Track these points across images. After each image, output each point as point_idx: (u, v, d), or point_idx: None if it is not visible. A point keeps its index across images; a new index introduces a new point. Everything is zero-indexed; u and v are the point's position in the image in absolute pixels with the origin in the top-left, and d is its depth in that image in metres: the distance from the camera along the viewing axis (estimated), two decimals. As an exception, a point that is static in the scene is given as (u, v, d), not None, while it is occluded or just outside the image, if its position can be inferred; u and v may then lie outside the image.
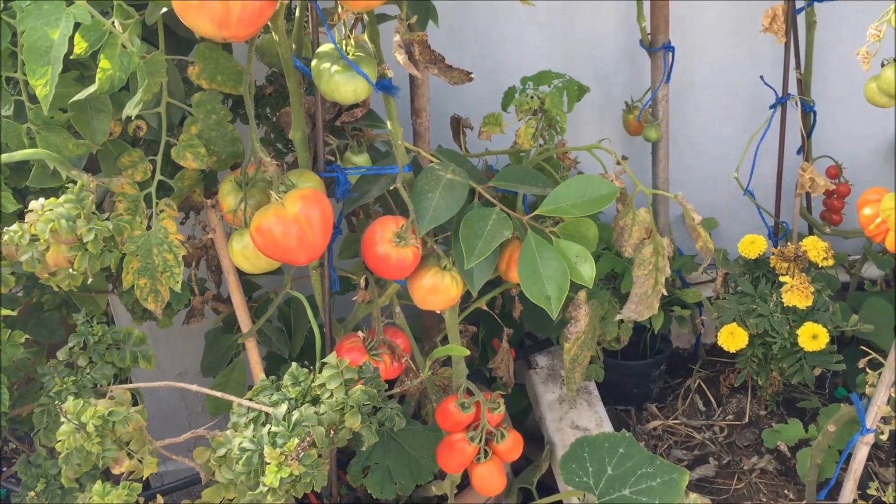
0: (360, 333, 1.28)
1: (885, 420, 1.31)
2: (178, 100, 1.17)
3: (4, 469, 1.67)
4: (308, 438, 0.91)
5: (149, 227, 1.15)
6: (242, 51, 1.24)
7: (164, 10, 1.07)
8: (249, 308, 1.46)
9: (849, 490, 1.41)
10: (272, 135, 1.36)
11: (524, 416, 1.84)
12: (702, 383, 1.87)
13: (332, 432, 0.97)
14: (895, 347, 1.26)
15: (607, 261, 1.64)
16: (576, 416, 1.67)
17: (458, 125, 1.57)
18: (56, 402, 1.06)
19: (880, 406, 1.27)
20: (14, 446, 1.69)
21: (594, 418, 1.67)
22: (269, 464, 0.90)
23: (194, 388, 1.08)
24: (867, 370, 1.23)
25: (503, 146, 1.58)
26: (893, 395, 1.26)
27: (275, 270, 1.51)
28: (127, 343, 1.17)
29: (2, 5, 0.88)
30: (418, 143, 1.43)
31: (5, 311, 0.99)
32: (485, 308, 1.46)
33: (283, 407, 0.96)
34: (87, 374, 1.08)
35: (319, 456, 0.94)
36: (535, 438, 1.74)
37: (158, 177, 1.16)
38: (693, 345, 1.98)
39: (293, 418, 0.94)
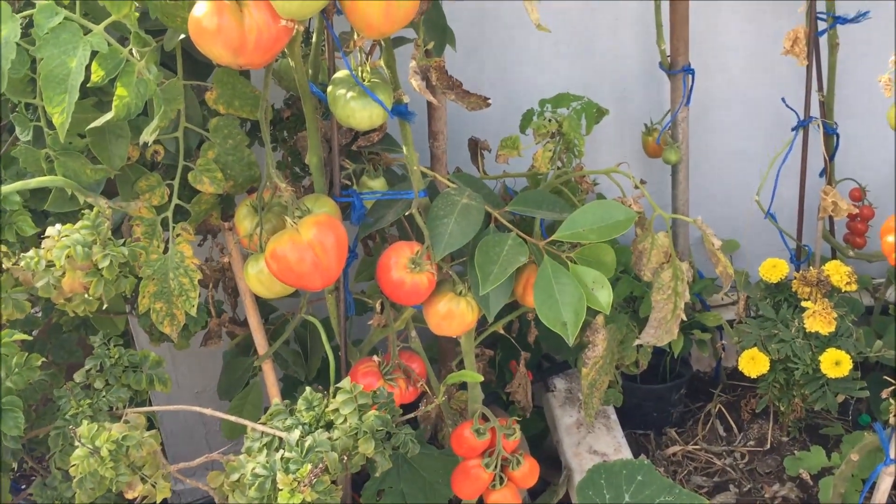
0: (375, 358, 1.27)
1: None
2: (196, 124, 1.18)
3: (23, 487, 1.68)
4: (321, 465, 0.90)
5: (165, 251, 1.16)
6: (260, 76, 1.25)
7: (183, 36, 1.08)
8: (266, 331, 1.46)
9: (872, 520, 1.39)
10: (289, 158, 1.36)
11: (542, 438, 1.82)
12: (722, 408, 1.85)
13: (346, 458, 0.96)
14: (919, 376, 1.24)
15: (626, 284, 1.63)
16: (594, 441, 1.66)
17: (475, 147, 1.57)
18: (71, 425, 1.07)
19: (904, 436, 1.25)
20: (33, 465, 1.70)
21: (612, 443, 1.65)
22: (281, 490, 0.89)
23: (209, 411, 1.08)
24: (891, 399, 1.21)
25: (522, 167, 1.57)
26: (917, 424, 1.24)
27: (291, 294, 1.52)
28: (143, 365, 1.17)
29: (19, 33, 0.88)
30: (435, 166, 1.43)
31: (20, 336, 1.00)
32: (501, 332, 1.45)
33: (297, 433, 0.96)
34: (104, 396, 1.09)
35: (333, 482, 0.94)
36: (553, 461, 1.72)
37: (175, 201, 1.17)
38: (714, 368, 1.96)
39: (306, 444, 0.93)
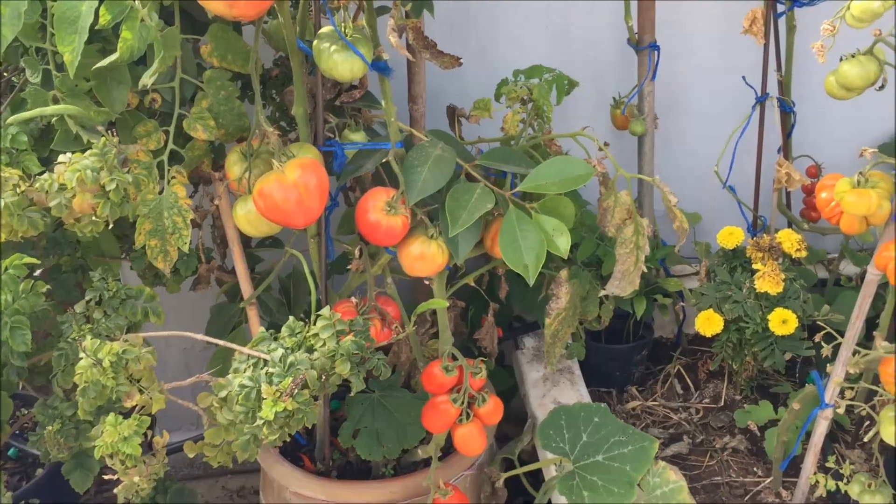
0: (353, 299, 1.37)
1: (842, 394, 1.39)
2: (191, 76, 1.27)
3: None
4: (301, 377, 1.00)
5: (160, 193, 1.25)
6: (251, 33, 1.35)
7: (181, -8, 1.17)
8: (252, 279, 1.56)
9: (810, 463, 1.50)
10: (277, 114, 1.46)
11: (510, 395, 1.93)
12: (681, 369, 1.96)
13: (324, 377, 1.06)
14: (851, 325, 1.35)
15: (590, 244, 1.74)
16: (558, 394, 1.76)
17: (453, 114, 1.67)
18: (72, 347, 1.17)
19: (837, 380, 1.36)
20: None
21: (575, 396, 1.76)
22: (265, 399, 0.99)
23: (200, 336, 1.17)
24: (822, 343, 1.32)
25: (497, 134, 1.68)
26: (850, 370, 1.35)
27: (277, 245, 1.62)
28: (139, 300, 1.26)
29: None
30: (414, 127, 1.53)
31: (30, 260, 1.10)
32: (473, 285, 1.55)
33: (280, 351, 1.06)
34: (103, 324, 1.18)
35: (312, 397, 1.04)
36: (520, 419, 1.83)
37: (171, 146, 1.26)
38: (675, 334, 2.07)
39: (288, 361, 1.03)
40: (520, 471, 1.61)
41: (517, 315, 1.98)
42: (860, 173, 1.20)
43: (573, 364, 1.84)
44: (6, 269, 1.09)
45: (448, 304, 1.50)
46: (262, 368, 1.06)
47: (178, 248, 1.25)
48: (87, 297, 1.24)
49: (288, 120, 1.44)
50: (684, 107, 2.03)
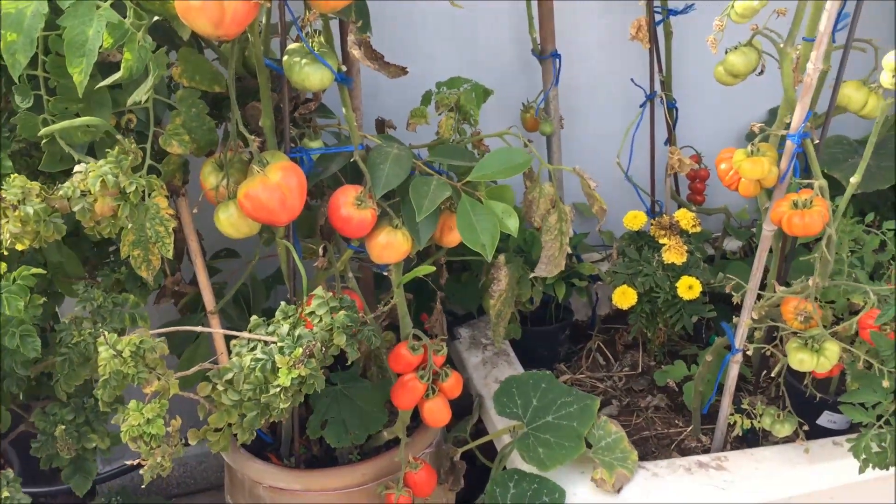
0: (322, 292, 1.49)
1: (749, 339, 1.62)
2: (162, 96, 1.37)
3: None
4: (310, 346, 1.12)
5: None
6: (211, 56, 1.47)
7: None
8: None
9: (726, 405, 1.72)
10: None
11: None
12: (601, 344, 2.17)
13: (324, 349, 1.19)
14: (752, 276, 1.58)
15: (518, 235, 1.91)
16: (498, 374, 1.93)
17: (382, 126, 1.82)
18: (73, 353, 1.24)
19: (747, 322, 1.58)
20: None
21: (514, 374, 1.92)
22: (280, 368, 1.11)
23: (210, 329, 1.27)
24: (733, 293, 1.54)
25: (421, 140, 1.84)
26: (754, 315, 1.58)
27: (232, 255, 1.72)
28: (124, 307, 1.35)
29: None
30: (353, 137, 1.67)
31: (37, 270, 1.17)
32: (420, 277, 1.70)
33: (286, 327, 1.18)
34: (100, 328, 1.26)
35: (319, 366, 1.16)
36: (458, 404, 1.98)
37: (149, 162, 1.35)
38: (590, 317, 2.28)
39: (296, 333, 1.15)
40: (474, 444, 1.76)
41: (449, 309, 2.13)
42: (752, 144, 1.43)
43: (507, 347, 2.01)
44: (14, 279, 1.16)
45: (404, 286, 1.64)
46: (267, 347, 1.17)
47: (161, 257, 1.34)
48: (76, 308, 1.31)
49: (248, 133, 1.56)
50: (580, 106, 2.25)
